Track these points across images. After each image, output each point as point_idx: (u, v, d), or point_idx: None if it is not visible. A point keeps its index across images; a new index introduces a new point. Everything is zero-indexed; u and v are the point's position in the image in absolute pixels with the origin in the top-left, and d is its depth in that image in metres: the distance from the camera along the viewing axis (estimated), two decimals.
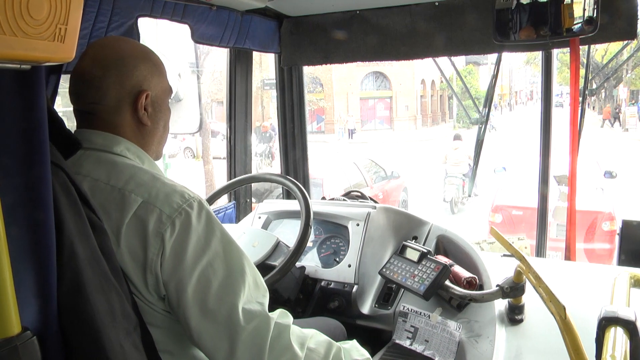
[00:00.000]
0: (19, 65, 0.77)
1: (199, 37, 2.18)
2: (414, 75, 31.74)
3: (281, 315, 1.24)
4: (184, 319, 1.15)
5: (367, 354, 1.44)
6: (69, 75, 1.29)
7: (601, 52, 20.94)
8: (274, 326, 1.18)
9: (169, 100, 1.39)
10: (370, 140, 23.53)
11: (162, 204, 1.15)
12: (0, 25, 0.69)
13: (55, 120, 0.91)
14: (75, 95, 1.27)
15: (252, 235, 2.11)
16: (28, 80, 0.80)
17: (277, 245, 2.03)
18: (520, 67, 46.11)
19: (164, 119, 1.36)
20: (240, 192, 2.81)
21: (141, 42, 1.84)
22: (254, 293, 1.20)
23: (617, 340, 0.96)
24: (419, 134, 29.30)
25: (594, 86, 3.07)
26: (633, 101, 29.84)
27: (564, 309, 1.16)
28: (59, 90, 1.37)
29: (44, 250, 0.84)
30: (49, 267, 0.85)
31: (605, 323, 1.00)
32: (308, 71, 3.21)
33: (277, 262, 1.94)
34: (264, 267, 1.94)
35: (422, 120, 33.76)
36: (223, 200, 2.72)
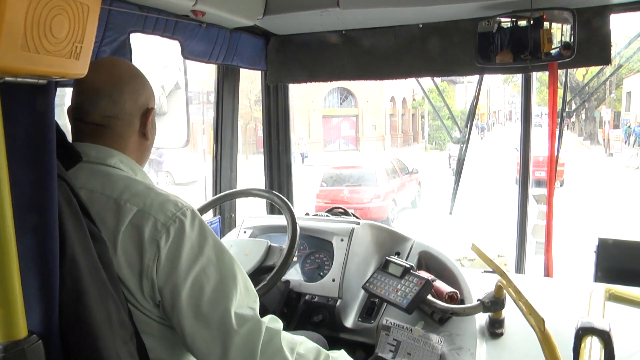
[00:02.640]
0: (37, 80, 0.81)
1: (188, 53, 2.21)
2: (382, 93, 29.57)
3: (272, 321, 1.27)
4: (178, 324, 1.18)
5: None
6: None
7: (582, 70, 20.93)
8: (265, 330, 1.21)
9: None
10: (329, 164, 16.28)
11: (156, 212, 1.18)
12: (26, 43, 0.73)
13: (57, 133, 0.94)
14: (85, 108, 1.29)
15: (242, 245, 2.13)
16: (41, 94, 0.83)
17: (270, 248, 2.05)
18: (498, 86, 45.77)
19: (155, 134, 1.43)
20: (225, 207, 2.83)
21: (133, 56, 1.88)
22: (245, 298, 1.23)
23: (593, 349, 1.01)
24: (387, 156, 24.07)
25: (573, 107, 3.15)
26: (627, 125, 27.41)
27: (543, 321, 1.21)
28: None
29: (48, 256, 0.87)
30: (53, 273, 0.88)
31: (582, 333, 1.05)
32: None
33: (273, 262, 1.96)
34: (261, 270, 1.97)
35: (392, 141, 31.60)
36: (208, 215, 2.73)
